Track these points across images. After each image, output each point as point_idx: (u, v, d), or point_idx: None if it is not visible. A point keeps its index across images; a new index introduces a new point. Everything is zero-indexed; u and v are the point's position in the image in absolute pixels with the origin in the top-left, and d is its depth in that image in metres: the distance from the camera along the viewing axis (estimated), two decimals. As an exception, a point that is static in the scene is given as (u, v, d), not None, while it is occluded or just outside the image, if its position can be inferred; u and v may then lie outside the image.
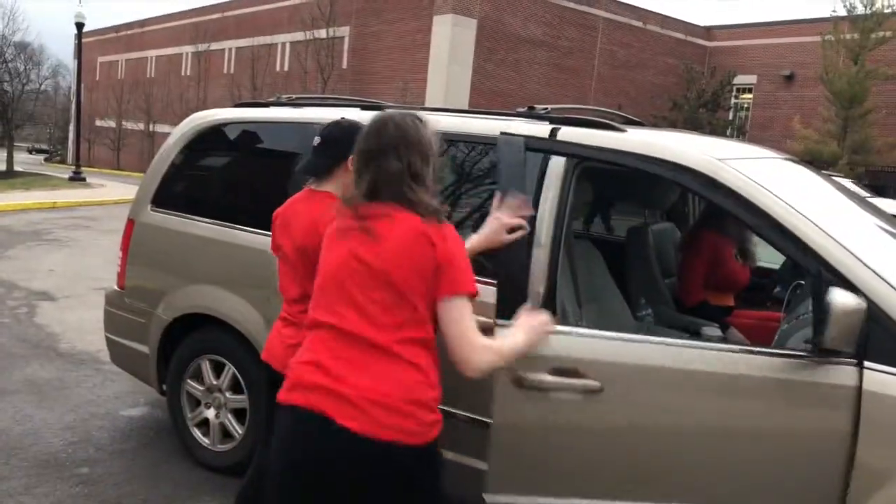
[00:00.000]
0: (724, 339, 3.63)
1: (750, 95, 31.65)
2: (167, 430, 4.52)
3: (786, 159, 3.43)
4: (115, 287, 4.45)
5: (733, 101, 31.51)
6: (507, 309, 2.70)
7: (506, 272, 2.80)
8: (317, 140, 2.81)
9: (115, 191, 22.67)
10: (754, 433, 2.47)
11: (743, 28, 32.49)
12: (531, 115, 3.29)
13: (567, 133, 3.04)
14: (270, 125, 4.04)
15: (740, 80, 30.68)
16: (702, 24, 33.55)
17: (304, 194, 2.88)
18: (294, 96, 4.19)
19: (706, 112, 28.81)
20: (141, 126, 40.32)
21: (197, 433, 4.12)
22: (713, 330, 3.62)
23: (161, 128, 38.92)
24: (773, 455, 2.45)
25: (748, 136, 29.27)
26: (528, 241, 2.93)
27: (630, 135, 2.95)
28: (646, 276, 4.00)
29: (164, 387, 4.24)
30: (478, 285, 2.23)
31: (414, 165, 2.21)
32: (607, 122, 3.16)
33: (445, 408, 2.97)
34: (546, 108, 3.32)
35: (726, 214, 4.06)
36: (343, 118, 2.90)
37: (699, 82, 29.38)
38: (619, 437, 2.59)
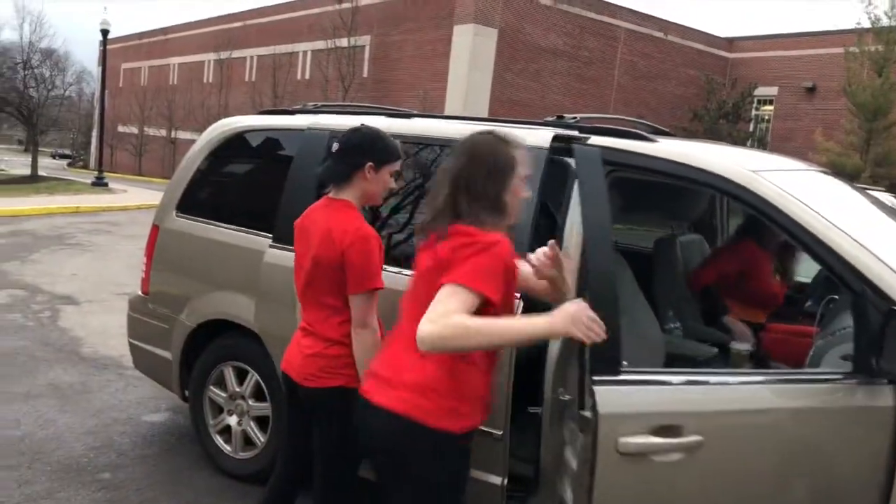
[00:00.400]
0: (752, 354, 3.58)
1: (771, 107, 31.42)
2: (189, 436, 4.52)
3: (820, 171, 3.37)
4: (139, 292, 4.46)
5: (754, 112, 31.29)
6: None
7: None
8: (335, 146, 2.76)
9: (137, 196, 22.85)
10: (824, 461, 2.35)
11: (764, 39, 32.29)
12: (560, 123, 3.27)
13: (598, 143, 3.00)
14: (296, 132, 4.03)
15: (761, 91, 30.48)
16: (723, 35, 33.37)
17: (323, 202, 2.84)
18: (320, 104, 4.18)
19: (727, 123, 28.64)
20: (163, 132, 40.67)
21: (219, 440, 4.11)
22: (742, 345, 3.56)
23: (183, 134, 39.21)
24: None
25: (769, 148, 29.04)
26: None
27: (663, 145, 2.91)
28: (674, 289, 3.95)
29: (187, 393, 4.24)
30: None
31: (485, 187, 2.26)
32: (638, 131, 3.12)
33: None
34: (575, 118, 3.30)
35: (767, 229, 4.05)
36: (363, 124, 2.85)
37: (720, 93, 29.22)
38: (723, 490, 2.35)
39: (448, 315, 2.04)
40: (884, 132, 23.49)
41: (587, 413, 2.24)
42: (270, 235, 3.73)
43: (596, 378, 2.16)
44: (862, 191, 3.46)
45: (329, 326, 2.75)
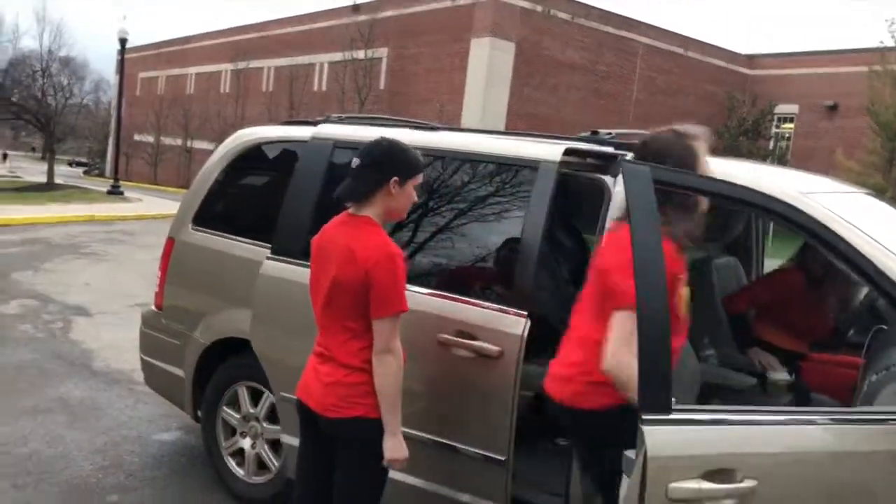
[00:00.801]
0: (792, 385, 3.41)
1: (791, 125, 31.19)
2: (200, 457, 4.37)
3: (866, 193, 3.21)
4: (153, 307, 4.33)
5: (774, 130, 31.07)
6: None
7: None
8: (356, 162, 2.59)
9: (153, 205, 22.85)
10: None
11: (785, 57, 32.10)
12: (596, 139, 3.13)
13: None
14: (302, 143, 3.88)
15: (781, 109, 30.28)
16: (743, 52, 33.19)
17: (342, 219, 2.67)
18: (343, 116, 4.06)
19: (747, 140, 28.44)
20: (179, 142, 40.81)
21: (231, 463, 3.96)
22: (781, 375, 3.39)
23: (199, 144, 39.33)
24: None
25: (789, 167, 28.78)
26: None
27: (711, 165, 2.75)
28: (709, 314, 3.77)
29: (199, 413, 4.10)
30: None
31: None
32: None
33: (455, 443, 2.87)
34: (610, 133, 3.15)
35: (819, 257, 3.87)
36: (383, 137, 2.70)
37: (740, 110, 29.03)
38: None
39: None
40: (906, 151, 23.26)
41: (634, 455, 2.07)
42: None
43: (645, 418, 1.99)
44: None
45: (348, 351, 2.58)
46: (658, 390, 2.01)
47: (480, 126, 22.61)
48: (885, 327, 3.16)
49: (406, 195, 2.62)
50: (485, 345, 2.89)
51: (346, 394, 2.56)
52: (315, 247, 2.73)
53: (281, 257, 3.54)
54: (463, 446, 2.94)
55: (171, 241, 4.23)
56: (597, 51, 27.78)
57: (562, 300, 4.62)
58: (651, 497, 1.99)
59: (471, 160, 3.23)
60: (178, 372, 4.13)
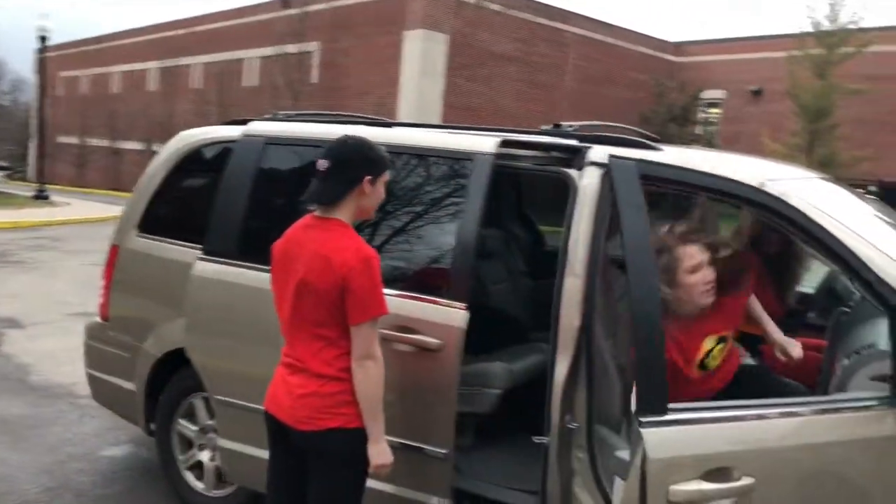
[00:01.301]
0: (762, 369, 3.44)
1: (718, 110, 31.93)
2: (153, 471, 4.22)
3: (822, 178, 3.25)
4: (97, 318, 4.14)
5: (702, 115, 31.76)
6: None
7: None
8: (325, 164, 2.48)
9: (82, 209, 22.06)
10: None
11: (710, 44, 32.83)
12: (559, 132, 3.09)
13: (602, 152, 2.83)
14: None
15: (708, 94, 30.96)
16: (671, 39, 33.82)
17: (308, 222, 2.57)
18: (292, 113, 3.93)
19: (675, 126, 28.97)
20: (105, 143, 39.52)
21: (189, 477, 3.82)
22: (747, 360, 3.42)
23: (126, 144, 38.17)
24: None
25: (717, 151, 29.48)
26: (560, 270, 2.76)
27: (673, 153, 2.75)
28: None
29: (153, 427, 3.93)
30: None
31: None
32: (643, 140, 2.96)
33: (398, 439, 2.79)
34: (572, 125, 3.12)
35: (769, 240, 3.92)
36: (347, 135, 2.61)
37: (668, 97, 29.56)
38: None
39: None
40: (827, 133, 24.03)
41: (632, 457, 2.03)
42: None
43: (643, 420, 1.95)
44: (862, 196, 3.34)
45: (322, 361, 2.48)
46: (654, 389, 1.97)
47: (416, 119, 22.52)
48: (847, 309, 3.21)
49: (377, 193, 2.56)
50: (425, 338, 2.88)
51: (320, 405, 2.46)
52: (278, 252, 2.60)
53: (213, 258, 3.45)
54: (405, 441, 2.90)
55: (115, 249, 4.04)
56: (530, 41, 27.91)
57: (515, 291, 4.61)
58: (652, 500, 1.95)
59: (407, 153, 3.20)
60: (129, 385, 3.95)
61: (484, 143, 3.00)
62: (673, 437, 2.03)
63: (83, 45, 45.78)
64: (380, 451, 2.49)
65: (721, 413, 2.19)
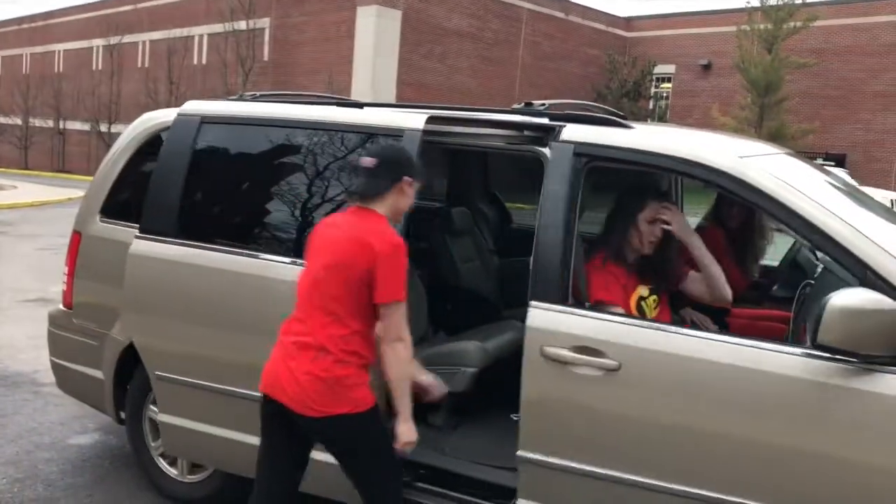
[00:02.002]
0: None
1: (669, 85, 32.29)
2: (124, 459, 4.17)
3: (786, 154, 3.32)
4: (61, 306, 4.06)
5: (654, 90, 32.09)
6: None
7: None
8: (371, 161, 2.66)
9: (29, 192, 21.49)
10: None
11: (661, 18, 33.12)
12: (529, 111, 3.10)
13: (575, 132, 2.86)
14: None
15: (660, 69, 31.29)
16: (622, 15, 34.03)
17: (350, 211, 2.72)
18: (258, 94, 3.88)
19: (628, 101, 29.24)
20: (50, 123, 38.46)
21: (163, 463, 3.79)
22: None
23: (72, 125, 37.21)
24: None
25: (669, 125, 29.84)
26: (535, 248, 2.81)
27: (646, 133, 2.79)
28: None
29: (122, 415, 3.88)
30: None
31: None
32: (614, 118, 2.99)
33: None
34: (543, 104, 3.14)
35: (730, 215, 4.00)
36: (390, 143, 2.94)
37: (621, 72, 29.80)
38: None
39: None
40: (776, 107, 24.50)
41: None
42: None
43: (533, 302, 2.69)
44: (823, 170, 3.43)
45: (328, 337, 2.55)
46: (547, 286, 2.68)
47: (371, 97, 22.33)
48: (811, 282, 3.30)
49: (410, 195, 2.74)
50: None
51: (327, 391, 2.52)
52: (316, 232, 2.75)
53: (149, 236, 3.49)
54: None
55: (77, 235, 3.96)
56: (483, 17, 27.84)
57: (485, 269, 4.64)
58: (528, 353, 2.67)
59: (341, 131, 3.28)
60: (96, 373, 3.89)
61: (414, 119, 3.09)
62: (551, 317, 2.65)
63: (24, 23, 44.36)
64: (408, 429, 2.61)
65: (605, 315, 2.70)
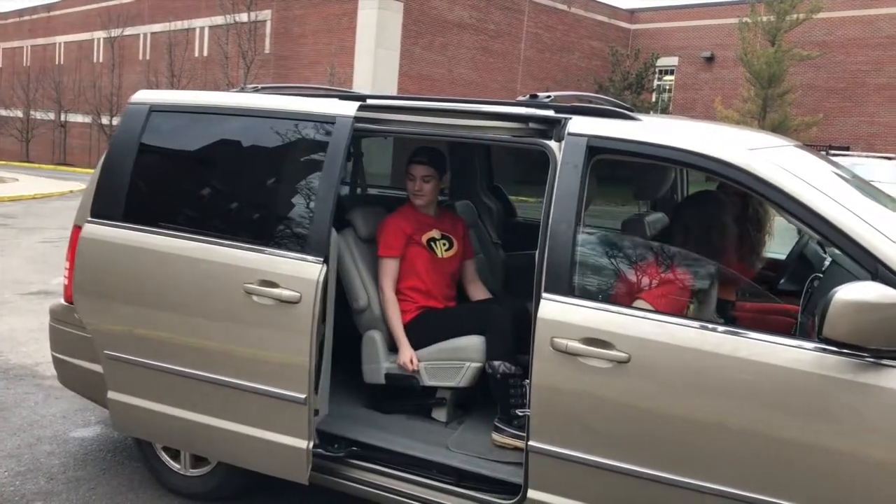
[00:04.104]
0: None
1: (672, 77, 32.20)
2: (126, 452, 4.15)
3: (795, 145, 3.29)
4: (62, 301, 4.03)
5: (656, 82, 32.00)
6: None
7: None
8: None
9: (31, 185, 21.46)
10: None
11: (664, 10, 33.01)
12: (535, 103, 3.06)
13: (584, 124, 2.83)
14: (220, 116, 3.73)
15: (663, 62, 31.18)
16: (625, 6, 33.92)
17: None
18: (259, 86, 3.85)
19: (631, 94, 29.17)
20: (51, 116, 38.41)
21: (165, 457, 3.77)
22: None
23: (73, 117, 37.16)
24: None
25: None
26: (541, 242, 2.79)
27: (654, 126, 2.76)
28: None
29: (125, 408, 3.86)
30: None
31: None
32: (622, 111, 2.96)
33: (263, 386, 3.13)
34: (549, 96, 3.10)
35: (735, 203, 3.96)
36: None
37: (624, 64, 29.71)
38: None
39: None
40: (778, 99, 24.43)
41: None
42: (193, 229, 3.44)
43: (545, 294, 2.72)
44: (832, 162, 3.40)
45: None
46: (558, 279, 2.71)
47: (372, 89, 22.27)
48: (820, 275, 3.27)
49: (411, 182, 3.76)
50: (284, 291, 3.05)
51: None
52: None
53: (99, 220, 3.58)
54: (270, 388, 3.13)
55: (77, 230, 3.92)
56: (485, 9, 27.74)
57: (490, 263, 4.61)
58: (539, 344, 2.70)
59: (277, 118, 3.36)
60: (97, 367, 3.86)
61: (346, 107, 3.18)
62: (562, 309, 2.68)
63: (25, 15, 44.27)
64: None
65: (615, 308, 2.70)
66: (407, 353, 3.60)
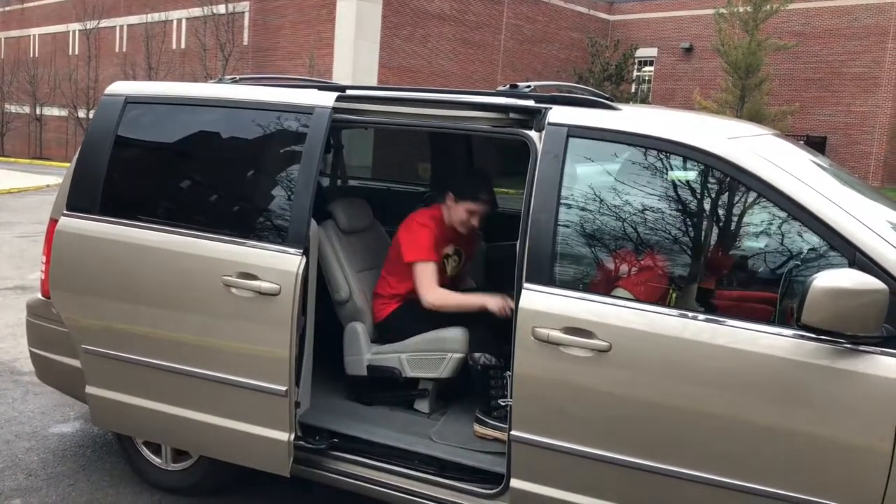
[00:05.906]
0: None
1: (651, 68, 32.30)
2: (106, 447, 4.13)
3: (774, 134, 3.31)
4: (39, 295, 3.99)
5: (636, 73, 32.08)
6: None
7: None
8: None
9: (6, 180, 21.17)
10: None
11: (643, 2, 33.06)
12: (515, 93, 3.06)
13: (564, 114, 2.83)
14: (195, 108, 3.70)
15: (642, 53, 31.26)
16: (603, -3, 33.95)
17: None
18: (238, 77, 3.82)
19: (611, 85, 29.22)
20: (26, 109, 37.89)
21: (146, 451, 3.75)
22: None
23: (49, 111, 36.69)
24: None
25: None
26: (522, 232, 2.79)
27: (634, 115, 2.77)
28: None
29: (105, 403, 3.83)
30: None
31: None
32: (601, 100, 2.96)
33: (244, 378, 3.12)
34: (529, 86, 3.10)
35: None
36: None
37: (603, 55, 29.76)
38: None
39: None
40: (755, 89, 24.58)
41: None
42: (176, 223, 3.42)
43: (525, 284, 2.74)
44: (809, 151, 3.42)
45: None
46: (539, 270, 2.72)
47: (352, 80, 22.17)
48: (798, 263, 3.30)
49: (455, 211, 3.80)
50: (264, 284, 3.04)
51: None
52: None
53: (74, 213, 3.55)
54: (251, 381, 3.12)
55: (53, 223, 3.88)
56: (465, 1, 27.66)
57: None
58: (520, 334, 2.70)
59: (255, 109, 3.35)
60: (76, 363, 3.82)
61: (324, 97, 3.17)
62: (543, 299, 2.69)
63: (-2, 7, 43.55)
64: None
65: (596, 297, 2.71)
66: (499, 300, 3.45)
